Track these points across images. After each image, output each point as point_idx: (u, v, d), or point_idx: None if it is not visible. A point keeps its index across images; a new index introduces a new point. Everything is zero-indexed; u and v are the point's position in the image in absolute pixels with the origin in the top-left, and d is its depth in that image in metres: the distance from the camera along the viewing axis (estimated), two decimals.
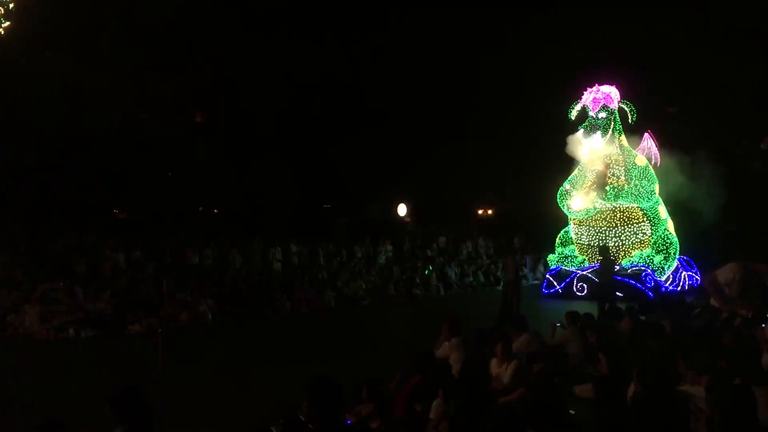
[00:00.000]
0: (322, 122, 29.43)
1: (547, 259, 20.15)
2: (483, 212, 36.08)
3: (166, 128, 25.06)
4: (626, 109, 18.59)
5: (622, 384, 6.12)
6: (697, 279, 19.21)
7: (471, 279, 23.16)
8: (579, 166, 19.29)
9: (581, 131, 18.40)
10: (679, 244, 18.96)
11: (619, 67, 20.24)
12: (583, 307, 12.68)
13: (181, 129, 27.03)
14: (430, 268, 22.82)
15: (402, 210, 30.84)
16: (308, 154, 29.34)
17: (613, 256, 17.60)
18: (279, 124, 29.02)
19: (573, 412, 5.44)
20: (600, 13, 25.25)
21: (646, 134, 19.44)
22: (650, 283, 17.10)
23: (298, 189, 28.28)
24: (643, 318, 10.45)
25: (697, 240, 20.49)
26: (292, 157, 28.52)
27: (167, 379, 7.53)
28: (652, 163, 19.10)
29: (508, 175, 27.84)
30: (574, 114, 18.61)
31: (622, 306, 11.89)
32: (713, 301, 12.13)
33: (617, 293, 16.09)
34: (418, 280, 21.46)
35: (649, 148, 19.37)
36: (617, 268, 17.23)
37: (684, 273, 18.88)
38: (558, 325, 10.14)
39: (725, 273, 13.85)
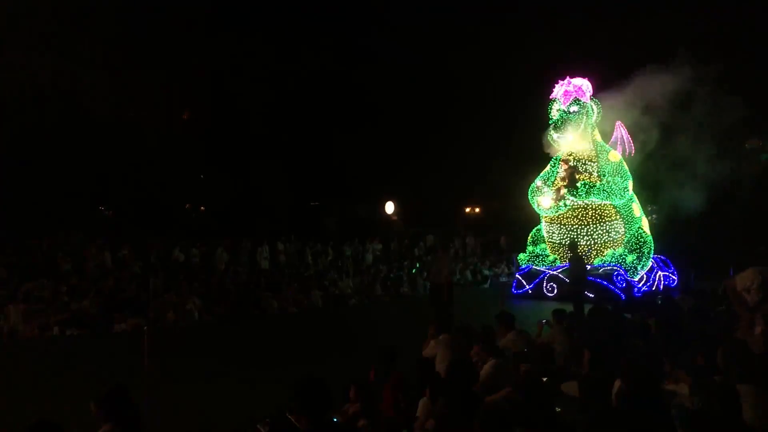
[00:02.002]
0: (311, 122, 29.40)
1: (518, 258, 19.58)
2: (470, 210, 36.18)
3: (154, 126, 24.98)
4: (594, 107, 18.00)
5: (607, 382, 6.15)
6: (673, 279, 18.82)
7: (458, 277, 23.20)
8: (551, 162, 18.81)
9: (552, 126, 17.90)
10: (666, 243, 18.90)
11: (604, 61, 20.18)
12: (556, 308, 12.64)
13: (168, 127, 26.94)
14: (417, 266, 22.85)
15: (390, 208, 30.86)
16: (298, 153, 29.31)
17: (584, 254, 17.20)
18: (268, 123, 28.99)
19: (558, 410, 5.47)
20: (587, 8, 25.46)
21: (617, 123, 19.19)
22: (621, 284, 16.54)
23: (287, 188, 28.26)
24: (628, 316, 10.51)
25: (682, 238, 20.53)
26: (282, 156, 28.50)
27: (153, 379, 7.51)
28: (626, 153, 18.81)
29: (496, 174, 27.90)
30: (555, 113, 18.02)
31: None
32: (737, 309, 11.69)
33: (588, 294, 15.66)
34: (405, 279, 21.48)
35: (622, 137, 19.14)
36: (588, 267, 16.84)
37: (660, 273, 18.35)
38: (544, 323, 10.19)
39: (743, 280, 13.19)
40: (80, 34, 23.02)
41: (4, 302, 14.53)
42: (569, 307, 12.73)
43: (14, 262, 17.32)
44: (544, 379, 7.10)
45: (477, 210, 36.09)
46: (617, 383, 6.27)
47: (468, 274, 23.69)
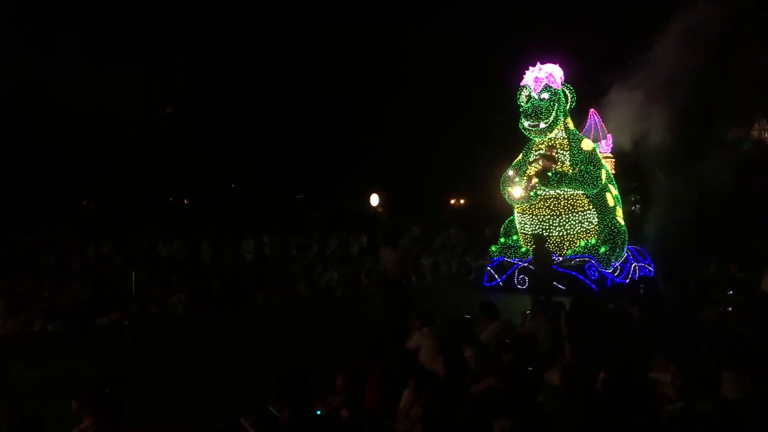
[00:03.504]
0: (295, 112, 29.29)
1: (490, 249, 19.07)
2: (455, 202, 36.21)
3: (136, 119, 24.80)
4: (567, 93, 17.37)
5: (591, 371, 6.19)
6: (650, 270, 18.46)
7: (443, 268, 23.23)
8: (523, 151, 18.33)
9: (522, 114, 17.28)
10: (647, 233, 18.85)
11: (586, 46, 19.98)
12: (525, 301, 12.57)
13: (151, 120, 26.75)
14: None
15: (374, 200, 30.79)
16: (282, 146, 29.21)
17: (558, 245, 17.06)
18: (252, 116, 28.89)
19: (540, 399, 5.49)
20: None
21: (591, 111, 18.92)
22: (594, 275, 16.14)
23: (272, 181, 28.19)
24: (611, 306, 10.57)
25: (667, 228, 20.60)
26: (266, 149, 28.42)
27: (136, 373, 7.44)
28: (600, 140, 18.54)
29: (480, 165, 27.87)
30: (524, 99, 17.42)
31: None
32: None
33: (560, 286, 15.50)
34: None
35: (595, 125, 18.90)
36: (560, 258, 16.74)
37: (635, 264, 17.97)
38: (528, 313, 10.23)
39: None
40: (60, 26, 22.79)
41: None
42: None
43: None
44: (530, 369, 7.14)
45: (462, 201, 36.12)
46: (602, 373, 6.31)
47: (452, 265, 23.70)
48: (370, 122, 29.32)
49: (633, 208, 29.22)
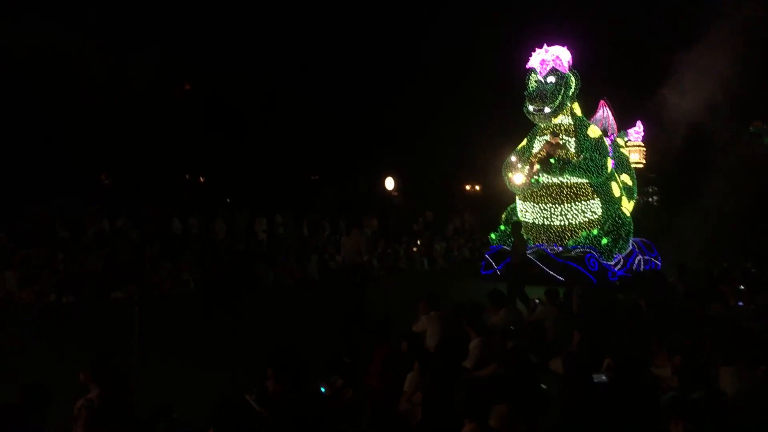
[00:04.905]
0: (311, 93, 29.25)
1: (489, 237, 18.52)
2: (471, 188, 36.10)
3: (155, 95, 24.91)
4: (573, 79, 16.68)
5: (595, 361, 6.21)
6: (657, 264, 17.90)
7: (456, 254, 23.30)
8: (528, 136, 17.75)
9: (527, 98, 16.63)
10: (660, 225, 18.66)
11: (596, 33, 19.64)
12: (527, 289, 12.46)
13: (169, 96, 26.86)
14: (418, 243, 22.90)
15: (390, 183, 30.78)
16: (297, 124, 29.21)
17: (559, 235, 16.74)
18: (270, 96, 28.91)
19: (545, 387, 5.52)
20: None
21: (601, 102, 18.51)
22: (594, 267, 15.64)
23: (287, 160, 28.23)
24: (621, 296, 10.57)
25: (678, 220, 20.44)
26: (282, 128, 28.45)
27: (144, 348, 7.53)
28: (609, 133, 17.92)
29: (496, 150, 27.72)
30: (533, 84, 16.75)
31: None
32: None
33: (558, 276, 15.21)
34: (402, 254, 21.50)
35: (606, 117, 18.43)
36: (560, 249, 16.38)
37: (639, 257, 17.40)
38: (537, 301, 10.25)
39: None
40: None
41: (1, 269, 14.56)
42: (539, 290, 11.27)
43: (11, 229, 17.30)
44: (532, 356, 7.17)
45: (477, 188, 35.97)
46: (606, 361, 6.34)
47: (465, 251, 23.76)
48: (387, 107, 29.23)
49: (650, 199, 28.91)
